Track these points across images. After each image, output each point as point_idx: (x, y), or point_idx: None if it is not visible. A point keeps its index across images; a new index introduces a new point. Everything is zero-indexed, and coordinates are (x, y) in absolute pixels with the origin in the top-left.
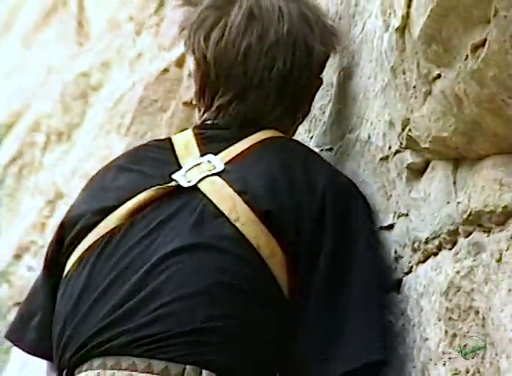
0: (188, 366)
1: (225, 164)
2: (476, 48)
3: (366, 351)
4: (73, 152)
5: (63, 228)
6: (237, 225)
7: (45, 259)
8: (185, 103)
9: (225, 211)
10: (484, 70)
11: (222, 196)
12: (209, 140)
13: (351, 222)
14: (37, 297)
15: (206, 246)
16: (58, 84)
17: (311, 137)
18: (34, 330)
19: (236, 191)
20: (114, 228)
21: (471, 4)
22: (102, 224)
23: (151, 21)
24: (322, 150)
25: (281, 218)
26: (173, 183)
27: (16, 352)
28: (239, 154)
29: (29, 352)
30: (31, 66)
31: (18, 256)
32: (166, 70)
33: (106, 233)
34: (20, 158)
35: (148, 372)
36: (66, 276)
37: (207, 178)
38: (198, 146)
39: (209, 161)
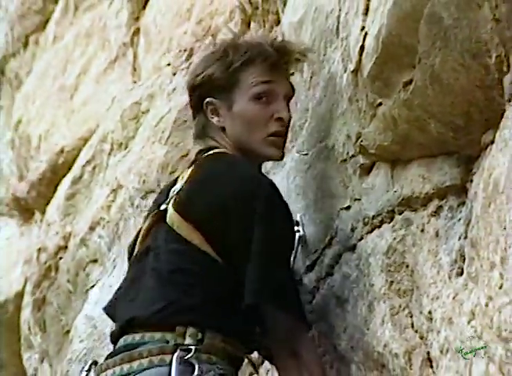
0: (177, 327)
1: (183, 184)
2: (406, 84)
3: (246, 296)
4: (129, 156)
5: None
6: (175, 229)
7: (128, 251)
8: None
9: (169, 223)
10: (411, 100)
11: (170, 212)
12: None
13: (255, 216)
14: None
15: (161, 246)
16: (119, 109)
17: (293, 146)
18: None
19: (174, 209)
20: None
21: (403, 54)
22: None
23: (183, 66)
24: (300, 154)
25: (203, 221)
26: (155, 211)
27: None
28: (190, 173)
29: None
30: (101, 97)
31: (92, 228)
32: None
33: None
34: (93, 160)
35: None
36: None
37: (171, 201)
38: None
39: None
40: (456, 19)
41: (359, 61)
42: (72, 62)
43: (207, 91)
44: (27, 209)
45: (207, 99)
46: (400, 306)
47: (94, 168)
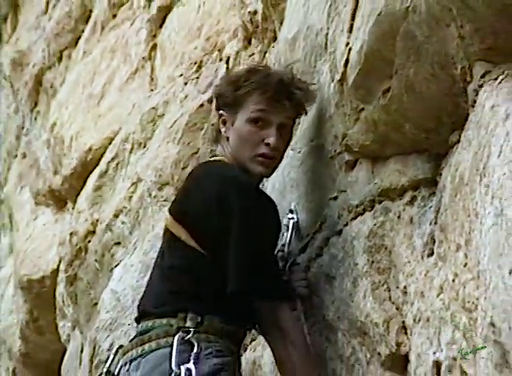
0: (179, 314)
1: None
2: (385, 92)
3: (228, 286)
4: (147, 154)
5: None
6: (171, 225)
7: None
8: (212, 124)
9: (167, 225)
10: (389, 105)
11: (167, 215)
12: None
13: (231, 212)
14: None
15: (164, 246)
16: (138, 114)
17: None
18: None
19: (169, 212)
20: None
21: (382, 66)
22: None
23: (193, 76)
24: (295, 152)
25: (188, 220)
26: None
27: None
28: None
29: None
30: (123, 104)
31: (116, 215)
32: (202, 105)
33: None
34: (117, 158)
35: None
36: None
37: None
38: None
39: None
40: (427, 37)
41: (344, 72)
42: (99, 73)
43: (221, 103)
44: (60, 199)
45: (220, 111)
46: (379, 282)
47: (117, 164)
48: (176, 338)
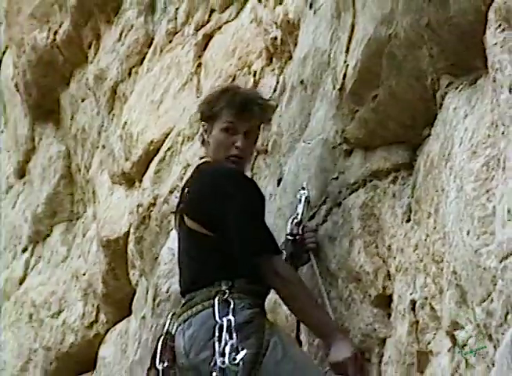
0: (215, 282)
1: (188, 190)
2: (373, 98)
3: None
4: (194, 145)
5: None
6: (186, 221)
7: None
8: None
9: (184, 219)
10: (377, 108)
11: (182, 213)
12: None
13: (226, 196)
14: None
15: (183, 235)
16: (188, 115)
17: (301, 138)
18: None
19: (184, 211)
20: None
21: (371, 78)
22: None
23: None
24: (306, 143)
25: (197, 214)
26: (179, 208)
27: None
28: (192, 182)
29: None
30: (177, 107)
31: (171, 192)
32: None
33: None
34: (172, 148)
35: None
36: None
37: (182, 204)
38: None
39: None
40: (405, 56)
41: (343, 83)
42: (158, 85)
43: (203, 117)
44: (130, 179)
45: (202, 123)
46: (370, 241)
47: (172, 153)
48: (216, 298)
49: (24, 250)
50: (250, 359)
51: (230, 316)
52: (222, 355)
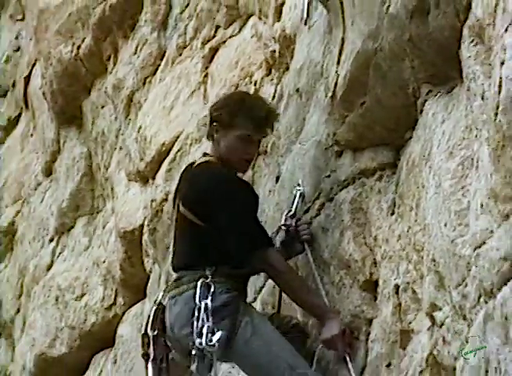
0: (201, 266)
1: (185, 184)
2: (361, 104)
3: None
4: (201, 147)
5: None
6: (181, 212)
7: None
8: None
9: (180, 209)
10: (364, 113)
11: (179, 203)
12: None
13: (218, 196)
14: None
15: (178, 222)
16: (196, 120)
17: (297, 140)
18: None
19: (181, 201)
20: None
21: (359, 87)
22: None
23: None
24: (301, 145)
25: (192, 205)
26: (176, 198)
27: None
28: (188, 176)
29: None
30: (186, 113)
31: None
32: None
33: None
34: (181, 149)
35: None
36: None
37: (180, 195)
38: None
39: None
40: (390, 67)
41: (334, 91)
42: (169, 93)
43: (217, 119)
44: (144, 177)
45: (215, 123)
46: (358, 233)
47: (182, 153)
48: (199, 282)
49: (51, 240)
50: (224, 340)
51: (208, 300)
52: (200, 336)
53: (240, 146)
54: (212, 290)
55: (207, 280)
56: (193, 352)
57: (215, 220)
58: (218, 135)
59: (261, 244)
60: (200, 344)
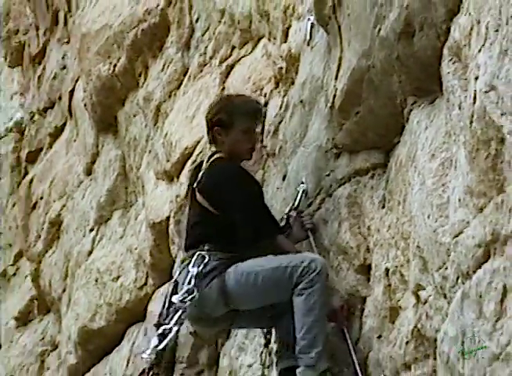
0: (201, 245)
1: (202, 175)
2: (356, 113)
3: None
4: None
5: None
6: (197, 197)
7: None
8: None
9: (196, 195)
10: (359, 121)
11: (195, 189)
12: None
13: (228, 186)
14: None
15: (192, 207)
16: None
17: (301, 144)
18: None
19: (197, 188)
20: None
21: (355, 98)
22: None
23: None
24: (305, 148)
25: (206, 196)
26: (191, 186)
27: None
28: (205, 170)
29: None
30: (200, 118)
31: None
32: None
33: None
34: (202, 152)
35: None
36: None
37: (197, 183)
38: None
39: None
40: (381, 81)
41: (333, 102)
42: (191, 104)
43: (218, 122)
44: (169, 176)
45: (216, 128)
46: (354, 223)
47: (202, 155)
48: (196, 254)
49: (91, 230)
50: (220, 294)
51: (194, 268)
52: (176, 293)
53: (244, 138)
54: (206, 260)
55: (203, 252)
56: (172, 307)
57: (229, 210)
58: (221, 136)
59: (273, 232)
60: (175, 299)
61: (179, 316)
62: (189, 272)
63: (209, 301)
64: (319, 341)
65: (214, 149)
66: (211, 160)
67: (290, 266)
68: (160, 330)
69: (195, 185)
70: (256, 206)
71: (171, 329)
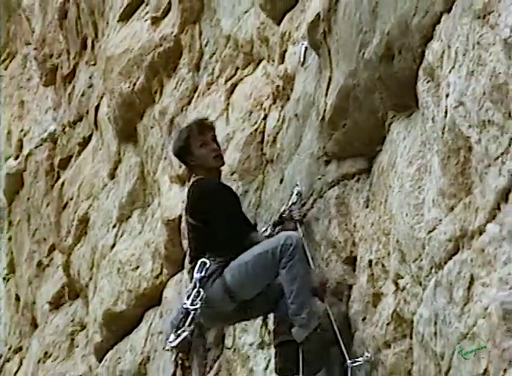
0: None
1: (188, 199)
2: (343, 125)
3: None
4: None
5: None
6: (188, 218)
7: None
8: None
9: (188, 215)
10: (346, 132)
11: (185, 212)
12: None
13: (211, 203)
14: None
15: (189, 225)
16: (220, 138)
17: (296, 152)
18: None
19: (187, 212)
20: None
21: (342, 112)
22: None
23: (247, 118)
24: (299, 156)
25: (190, 214)
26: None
27: None
28: (188, 194)
29: None
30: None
31: None
32: (251, 133)
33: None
34: None
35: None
36: None
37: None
38: None
39: None
40: (365, 98)
41: (323, 115)
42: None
43: (180, 152)
44: (182, 180)
45: (183, 157)
46: (342, 221)
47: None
48: (199, 262)
49: (114, 226)
50: (222, 291)
51: (198, 273)
52: (188, 298)
53: (205, 150)
54: (208, 265)
55: (204, 259)
56: (183, 308)
57: (211, 221)
58: (191, 160)
59: (248, 232)
60: (185, 304)
61: (192, 318)
62: (193, 277)
63: (216, 299)
64: (307, 303)
65: (194, 175)
66: (191, 182)
67: (270, 248)
68: (178, 331)
69: (184, 207)
70: (234, 214)
71: (184, 330)
